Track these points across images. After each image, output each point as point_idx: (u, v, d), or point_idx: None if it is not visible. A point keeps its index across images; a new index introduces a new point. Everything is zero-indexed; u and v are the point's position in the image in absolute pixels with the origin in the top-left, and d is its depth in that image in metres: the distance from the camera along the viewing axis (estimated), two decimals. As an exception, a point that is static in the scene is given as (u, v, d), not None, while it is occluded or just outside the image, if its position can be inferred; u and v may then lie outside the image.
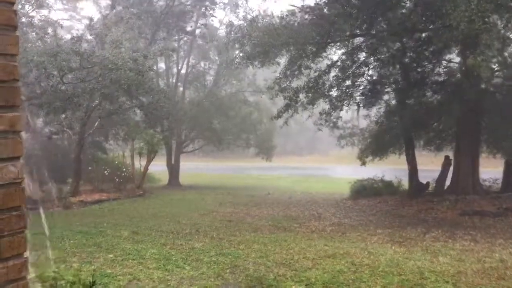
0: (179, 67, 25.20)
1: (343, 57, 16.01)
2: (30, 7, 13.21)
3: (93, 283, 2.73)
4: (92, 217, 12.38)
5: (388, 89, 16.49)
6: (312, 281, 5.70)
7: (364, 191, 16.10)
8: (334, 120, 16.38)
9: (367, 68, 15.97)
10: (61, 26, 13.56)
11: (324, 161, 45.14)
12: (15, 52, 1.51)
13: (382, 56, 15.45)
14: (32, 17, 13.18)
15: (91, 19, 15.69)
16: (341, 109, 16.07)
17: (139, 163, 20.68)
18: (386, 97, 16.93)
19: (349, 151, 22.34)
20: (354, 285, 5.52)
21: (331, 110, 15.94)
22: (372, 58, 15.80)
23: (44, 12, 16.52)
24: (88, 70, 12.51)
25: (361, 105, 16.15)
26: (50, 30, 13.30)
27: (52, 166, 18.31)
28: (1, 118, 1.47)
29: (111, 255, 7.33)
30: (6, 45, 1.48)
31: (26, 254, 1.56)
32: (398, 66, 15.15)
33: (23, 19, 12.05)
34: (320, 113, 16.31)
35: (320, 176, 31.14)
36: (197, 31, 24.52)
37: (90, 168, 19.20)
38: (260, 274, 6.11)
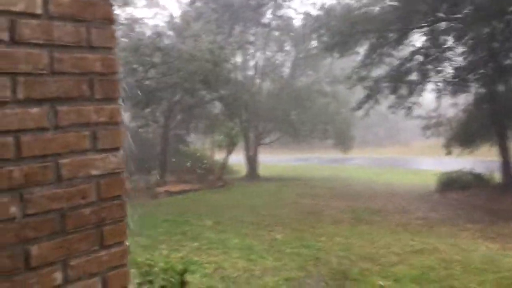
0: (256, 60, 25.36)
1: (427, 43, 15.21)
2: (116, 5, 13.92)
3: (185, 270, 2.80)
4: (177, 206, 12.88)
5: (477, 76, 15.40)
6: (399, 277, 5.48)
7: (451, 184, 15.20)
8: (409, 105, 15.51)
9: (451, 53, 15.03)
10: (144, 22, 14.25)
11: (407, 152, 43.32)
12: (112, 46, 1.55)
13: (469, 41, 14.47)
14: (118, 15, 13.92)
15: (171, 16, 16.27)
16: (419, 94, 15.23)
17: (219, 155, 21.21)
18: (475, 84, 15.83)
19: (434, 142, 21.24)
20: (445, 282, 5.23)
21: (407, 95, 15.17)
22: (457, 43, 14.86)
23: (129, 9, 17.33)
24: (169, 65, 12.98)
25: (442, 92, 15.22)
26: (135, 27, 13.98)
27: (139, 158, 19.30)
28: (102, 110, 1.52)
29: (196, 244, 7.56)
30: (105, 38, 1.52)
31: (127, 242, 1.61)
32: (486, 51, 14.09)
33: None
34: (396, 97, 15.55)
35: (402, 167, 29.97)
36: (273, 23, 24.51)
37: (173, 160, 19.97)
38: (344, 267, 5.99)
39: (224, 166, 20.69)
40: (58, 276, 1.40)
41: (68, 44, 1.43)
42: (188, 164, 19.44)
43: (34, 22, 1.35)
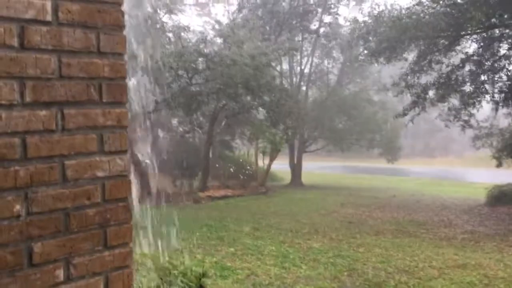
0: (302, 67, 25.28)
1: (480, 50, 14.62)
2: (162, 13, 14.35)
3: (203, 275, 2.82)
4: (217, 211, 13.01)
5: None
6: (437, 292, 5.27)
7: (503, 197, 14.46)
8: (466, 118, 14.99)
9: (507, 62, 14.35)
10: (189, 29, 14.51)
11: (459, 164, 41.75)
12: (122, 51, 1.59)
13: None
14: (165, 23, 14.37)
15: (219, 23, 16.55)
16: (474, 107, 14.66)
17: (263, 162, 21.25)
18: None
19: (487, 153, 20.35)
20: (485, 300, 4.98)
21: (462, 107, 14.64)
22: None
23: (177, 18, 17.75)
24: (212, 70, 13.18)
25: (500, 104, 14.51)
26: (182, 34, 14.32)
27: (184, 163, 19.67)
28: (109, 114, 1.56)
29: (232, 249, 7.60)
30: (114, 44, 1.56)
31: (131, 243, 1.64)
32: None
33: (157, 25, 13.21)
34: (449, 109, 15.07)
35: (453, 179, 28.90)
36: (321, 29, 24.38)
37: (217, 165, 20.21)
38: (379, 279, 5.83)
39: (267, 172, 20.72)
40: (60, 274, 1.44)
41: (77, 49, 1.48)
42: (232, 170, 19.60)
43: (43, 28, 1.41)
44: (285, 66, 24.90)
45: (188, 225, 9.94)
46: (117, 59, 1.58)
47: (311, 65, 25.38)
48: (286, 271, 6.21)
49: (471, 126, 15.83)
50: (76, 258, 1.49)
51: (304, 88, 25.31)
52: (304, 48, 24.98)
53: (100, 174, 1.54)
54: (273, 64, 16.71)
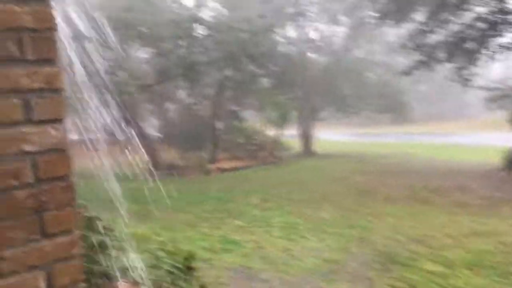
0: (309, 33, 24.57)
1: (493, 8, 13.92)
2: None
3: (191, 255, 2.59)
4: (226, 183, 12.83)
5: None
6: (451, 261, 5.01)
7: (520, 160, 14.01)
8: (467, 77, 14.48)
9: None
10: None
11: (474, 128, 40.83)
12: (48, -4, 1.29)
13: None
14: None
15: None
16: (476, 65, 14.12)
17: (273, 132, 20.92)
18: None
19: (501, 116, 19.76)
20: (502, 268, 4.70)
21: (466, 64, 14.09)
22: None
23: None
24: (211, 38, 12.61)
25: (495, 59, 13.93)
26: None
27: (193, 135, 19.44)
28: (35, 74, 1.26)
29: (239, 221, 7.41)
30: (36, -13, 1.26)
31: (77, 230, 1.38)
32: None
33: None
34: (458, 68, 14.57)
35: (468, 143, 28.31)
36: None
37: (226, 136, 19.96)
38: (390, 249, 5.58)
39: (276, 142, 20.44)
40: (-15, 270, 1.19)
41: (-12, -6, 1.19)
42: (241, 140, 19.35)
43: None
44: (293, 32, 24.25)
45: (196, 197, 9.79)
46: (42, 6, 1.27)
47: (317, 30, 24.68)
48: (293, 243, 6.01)
49: (469, 85, 15.24)
50: (7, 250, 1.23)
51: (311, 54, 24.67)
52: (310, 13, 24.25)
53: (28, 148, 1.26)
54: (276, 29, 16.07)
